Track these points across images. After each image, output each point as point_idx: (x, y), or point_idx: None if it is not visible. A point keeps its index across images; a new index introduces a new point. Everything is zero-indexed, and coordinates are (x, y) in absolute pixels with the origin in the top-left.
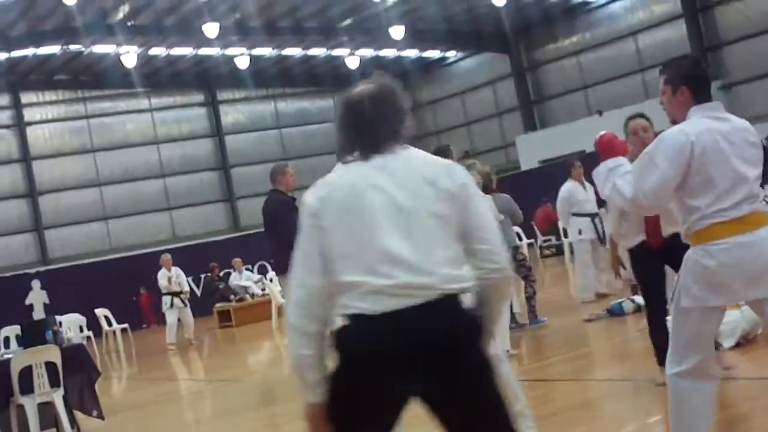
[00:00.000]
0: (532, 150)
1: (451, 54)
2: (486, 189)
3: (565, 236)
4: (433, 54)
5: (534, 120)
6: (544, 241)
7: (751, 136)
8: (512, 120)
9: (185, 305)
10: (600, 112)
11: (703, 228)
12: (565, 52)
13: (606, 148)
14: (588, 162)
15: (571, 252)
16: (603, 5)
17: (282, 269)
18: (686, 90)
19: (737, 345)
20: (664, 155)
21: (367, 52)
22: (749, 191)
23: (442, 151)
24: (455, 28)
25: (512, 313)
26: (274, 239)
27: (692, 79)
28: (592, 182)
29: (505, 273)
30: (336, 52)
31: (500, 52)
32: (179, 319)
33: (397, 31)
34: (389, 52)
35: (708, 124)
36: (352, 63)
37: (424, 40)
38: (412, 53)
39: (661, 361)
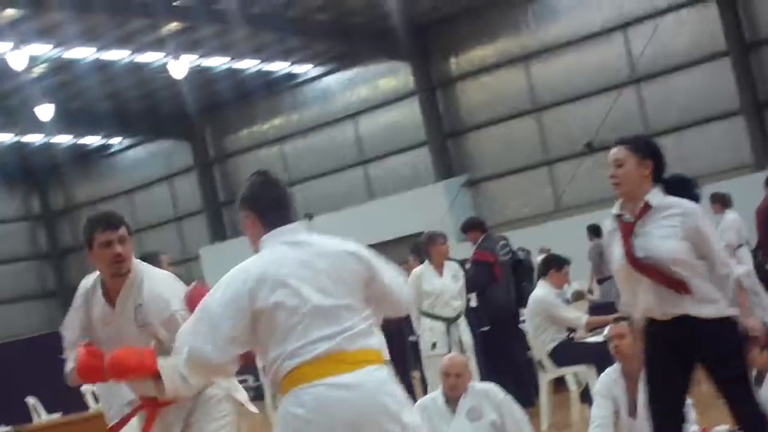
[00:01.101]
0: (222, 265)
1: (116, 141)
2: None
3: None
4: (92, 141)
5: (224, 226)
6: (241, 381)
7: (344, 258)
8: (196, 226)
9: None
10: (309, 216)
11: (289, 372)
12: (265, 138)
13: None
14: None
15: None
16: (314, 78)
17: None
18: (252, 215)
19: None
20: (221, 303)
21: (6, 138)
22: (341, 325)
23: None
24: (122, 107)
25: None
26: None
27: (255, 202)
28: None
29: None
30: None
31: (180, 139)
32: None
33: (45, 111)
34: (35, 138)
35: (282, 252)
36: None
37: (80, 123)
38: (64, 139)
39: None
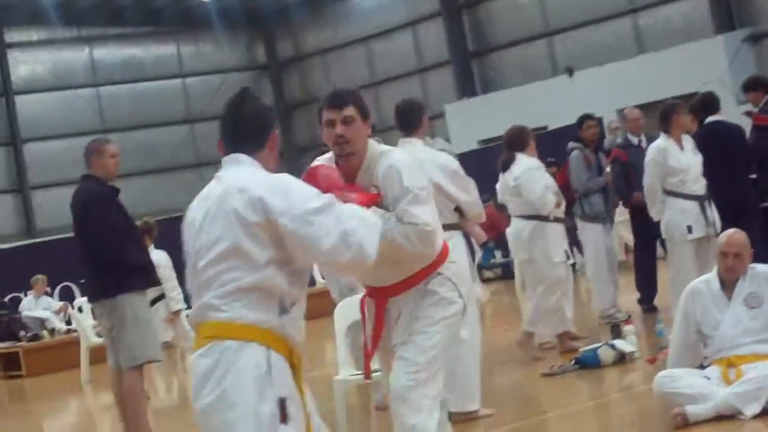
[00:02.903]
0: (470, 124)
1: None
2: None
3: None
4: None
5: (473, 81)
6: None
7: (243, 200)
8: (441, 80)
9: None
10: (570, 71)
11: None
12: None
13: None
14: (550, 142)
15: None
16: None
17: (97, 293)
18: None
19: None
20: None
21: None
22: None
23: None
24: None
25: None
26: (86, 249)
27: (220, 123)
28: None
29: None
30: None
31: None
32: None
33: None
34: None
35: (207, 190)
36: None
37: None
38: None
39: None
